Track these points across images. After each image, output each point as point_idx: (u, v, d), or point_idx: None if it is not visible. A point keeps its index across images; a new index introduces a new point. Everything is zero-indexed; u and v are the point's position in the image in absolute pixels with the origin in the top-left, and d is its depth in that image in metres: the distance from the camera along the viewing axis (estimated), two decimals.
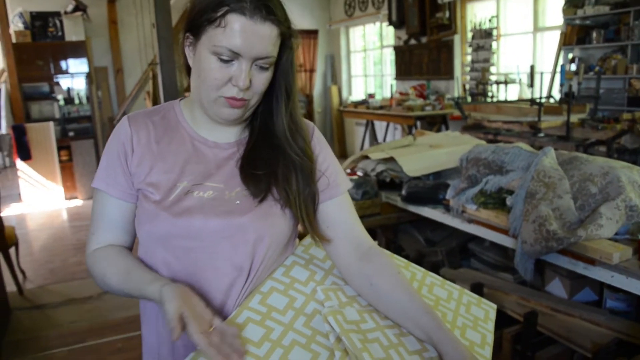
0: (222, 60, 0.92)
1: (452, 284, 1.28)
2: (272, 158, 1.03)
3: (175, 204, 0.98)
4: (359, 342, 0.94)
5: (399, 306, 1.01)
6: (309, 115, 9.43)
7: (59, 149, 6.70)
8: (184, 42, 1.00)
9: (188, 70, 1.03)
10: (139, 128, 1.04)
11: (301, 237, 1.19)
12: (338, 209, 1.08)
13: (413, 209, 2.50)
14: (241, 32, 0.90)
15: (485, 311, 1.23)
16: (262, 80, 0.96)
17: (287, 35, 0.99)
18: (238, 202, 1.00)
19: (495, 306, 1.26)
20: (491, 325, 1.19)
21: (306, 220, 1.03)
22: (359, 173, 2.88)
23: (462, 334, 1.11)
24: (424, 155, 2.67)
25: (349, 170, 2.97)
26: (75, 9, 7.47)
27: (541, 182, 1.84)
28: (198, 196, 0.99)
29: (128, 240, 1.07)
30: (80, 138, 7.00)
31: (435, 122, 6.30)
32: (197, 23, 0.94)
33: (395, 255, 1.29)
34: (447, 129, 6.14)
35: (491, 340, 1.14)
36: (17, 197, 6.75)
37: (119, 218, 1.04)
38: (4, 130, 8.03)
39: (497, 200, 2.06)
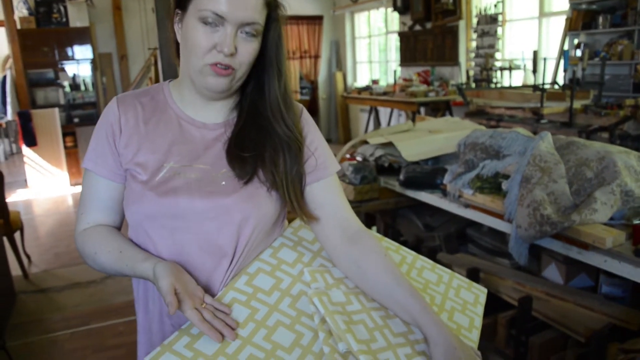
0: (207, 25, 0.93)
1: (443, 267, 1.28)
2: (259, 139, 1.03)
3: (161, 184, 0.99)
4: (343, 324, 0.95)
5: (385, 288, 1.01)
6: (314, 101, 9.41)
7: (64, 135, 6.74)
8: (173, 20, 1.01)
9: (177, 50, 1.03)
10: (127, 109, 1.05)
11: (290, 220, 1.20)
12: (326, 190, 1.08)
13: (411, 193, 2.50)
14: None
15: (475, 295, 1.23)
16: (248, 49, 0.96)
17: (272, 7, 0.99)
18: (224, 183, 1.00)
19: (485, 290, 1.26)
20: (480, 309, 1.19)
21: (294, 199, 1.03)
22: (358, 158, 2.88)
23: (449, 317, 1.11)
24: (423, 140, 2.66)
25: (348, 155, 2.97)
26: None
27: (537, 167, 1.84)
28: (184, 177, 1.00)
29: (117, 220, 1.08)
30: (85, 124, 7.03)
31: (440, 109, 6.26)
32: None
33: (386, 239, 1.29)
34: (451, 115, 6.11)
35: (479, 324, 1.14)
36: (24, 183, 6.81)
37: (108, 198, 1.05)
38: (9, 117, 8.09)
39: (493, 184, 2.06)
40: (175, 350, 0.86)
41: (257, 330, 0.92)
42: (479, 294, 1.24)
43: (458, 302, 1.18)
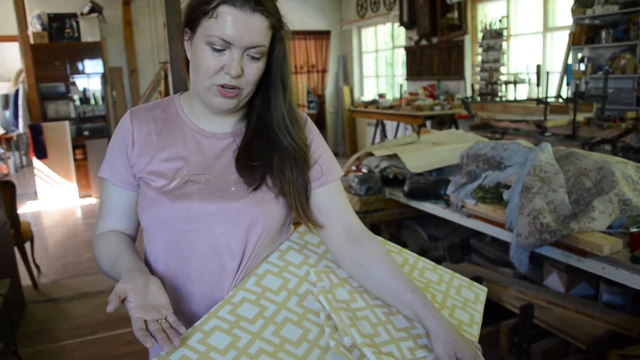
0: (215, 50, 0.98)
1: (443, 268, 1.33)
2: (267, 149, 1.09)
3: (175, 190, 1.05)
4: (347, 319, 1.00)
5: (387, 286, 1.06)
6: (321, 115, 9.49)
7: (74, 147, 6.82)
8: (183, 38, 1.06)
9: (187, 65, 1.09)
10: (140, 122, 1.11)
11: (296, 224, 1.25)
12: (330, 195, 1.13)
13: (415, 204, 2.54)
14: (232, 22, 0.97)
15: (475, 294, 1.27)
16: (254, 70, 1.02)
17: (277, 28, 1.05)
18: (233, 189, 1.06)
19: (485, 289, 1.30)
20: (480, 307, 1.23)
21: (300, 208, 1.09)
22: (364, 169, 2.93)
23: (450, 314, 1.16)
24: (427, 152, 2.71)
25: (354, 167, 3.02)
26: (91, 11, 7.62)
27: (537, 177, 1.88)
28: (196, 184, 1.06)
29: (129, 227, 1.14)
30: (94, 137, 7.13)
31: (445, 122, 6.32)
32: (192, 17, 1.01)
33: (388, 242, 1.34)
34: (456, 128, 6.16)
35: (479, 320, 1.18)
36: (34, 195, 6.89)
37: (121, 204, 1.12)
38: (21, 130, 8.22)
39: (494, 194, 2.10)
40: (190, 345, 0.91)
41: (266, 326, 0.97)
42: (479, 292, 1.28)
43: (459, 299, 1.22)
